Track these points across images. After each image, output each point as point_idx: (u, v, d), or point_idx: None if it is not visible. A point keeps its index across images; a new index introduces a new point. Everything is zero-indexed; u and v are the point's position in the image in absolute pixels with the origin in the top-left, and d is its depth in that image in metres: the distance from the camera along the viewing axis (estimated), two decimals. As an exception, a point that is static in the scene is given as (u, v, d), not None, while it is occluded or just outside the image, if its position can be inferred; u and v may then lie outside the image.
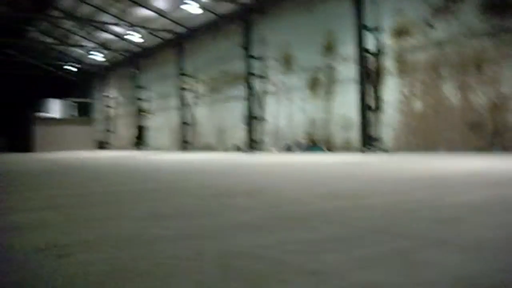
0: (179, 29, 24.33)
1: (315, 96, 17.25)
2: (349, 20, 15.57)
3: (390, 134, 14.46)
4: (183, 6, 21.17)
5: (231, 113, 21.73)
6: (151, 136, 26.95)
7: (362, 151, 14.38)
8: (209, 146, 23.18)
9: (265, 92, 19.65)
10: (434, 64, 13.30)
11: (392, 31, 14.50)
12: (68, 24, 27.48)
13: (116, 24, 24.65)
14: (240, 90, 21.00)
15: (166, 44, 26.53)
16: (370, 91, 14.95)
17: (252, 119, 19.71)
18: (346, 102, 15.88)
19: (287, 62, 18.56)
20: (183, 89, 24.47)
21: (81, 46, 30.09)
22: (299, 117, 17.87)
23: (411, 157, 11.65)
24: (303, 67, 17.75)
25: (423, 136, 13.56)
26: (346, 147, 15.80)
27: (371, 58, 14.98)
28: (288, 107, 18.49)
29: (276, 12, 19.04)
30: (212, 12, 21.74)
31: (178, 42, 25.01)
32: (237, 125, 21.13)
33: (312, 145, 16.74)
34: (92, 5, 23.67)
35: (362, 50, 14.86)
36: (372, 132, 14.82)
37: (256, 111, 19.81)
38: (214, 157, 15.19)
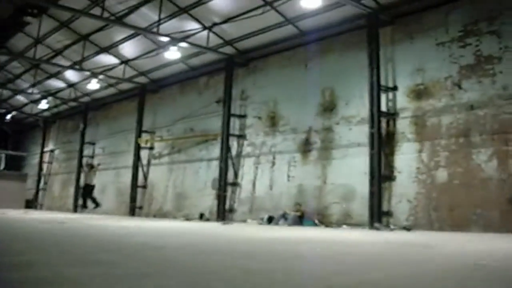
0: (141, 80, 21.84)
1: (306, 160, 14.95)
2: (354, 77, 13.89)
3: (405, 207, 12.22)
4: (151, 54, 19.00)
5: (196, 176, 18.92)
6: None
7: (375, 227, 11.93)
8: (164, 212, 19.87)
9: (241, 154, 17.17)
10: (463, 128, 11.53)
11: (409, 91, 12.79)
12: (15, 67, 24.20)
13: (72, 68, 21.69)
14: (209, 150, 18.44)
15: (124, 96, 23.83)
16: (382, 157, 12.86)
17: (224, 184, 16.92)
18: (348, 169, 13.69)
19: (272, 121, 16.36)
20: (139, 146, 21.45)
21: (24, 93, 26.64)
22: (284, 184, 15.38)
23: (445, 236, 9.37)
24: (292, 128, 15.60)
25: (448, 212, 11.40)
26: (344, 221, 13.31)
27: (383, 121, 13.08)
28: (270, 172, 15.99)
29: (262, 66, 17.18)
30: (185, 64, 19.59)
31: (139, 94, 22.36)
32: (202, 190, 18.25)
33: (301, 217, 14.11)
34: (48, 46, 20.71)
35: (376, 111, 12.89)
36: (383, 205, 12.54)
37: (230, 175, 17.11)
38: (184, 226, 12.21)
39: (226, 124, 17.25)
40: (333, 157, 14.21)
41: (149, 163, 21.62)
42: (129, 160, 22.24)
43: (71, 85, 24.71)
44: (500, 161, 10.75)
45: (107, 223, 12.50)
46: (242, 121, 17.50)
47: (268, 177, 16.00)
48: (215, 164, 17.93)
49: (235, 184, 17.03)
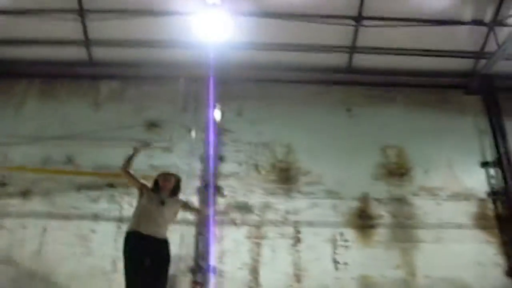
0: None
1: (367, 241, 10.67)
2: (435, 140, 11.69)
3: None
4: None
5: (85, 245, 10.43)
6: None
7: None
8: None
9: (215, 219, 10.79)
10: None
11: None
12: None
13: None
14: (114, 202, 10.93)
15: None
16: (503, 245, 10.61)
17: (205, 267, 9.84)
18: (449, 257, 10.47)
19: (284, 176, 11.38)
20: None
21: None
22: (329, 273, 10.23)
23: None
24: (331, 190, 11.17)
25: None
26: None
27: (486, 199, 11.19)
28: (291, 254, 10.47)
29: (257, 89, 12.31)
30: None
31: None
32: (106, 275, 10.06)
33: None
34: None
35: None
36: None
37: (188, 254, 10.17)
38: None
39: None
40: (420, 240, 10.67)
41: None
42: None
43: None
44: None
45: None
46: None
47: (288, 261, 10.35)
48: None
49: (207, 270, 10.17)
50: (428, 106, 12.16)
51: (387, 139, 11.75)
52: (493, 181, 11.38)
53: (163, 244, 5.17)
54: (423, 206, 11.05)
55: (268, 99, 12.15)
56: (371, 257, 10.44)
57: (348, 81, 12.33)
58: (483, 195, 11.21)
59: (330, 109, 12.12)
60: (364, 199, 11.08)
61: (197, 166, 11.25)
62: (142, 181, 5.93)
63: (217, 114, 11.72)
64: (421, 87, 12.32)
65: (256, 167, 11.41)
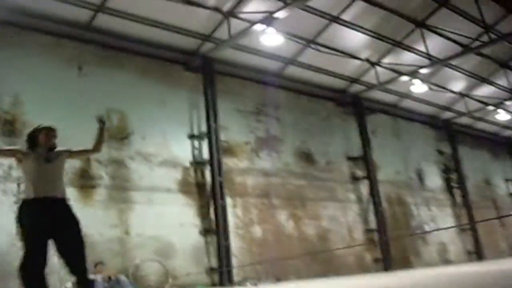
0: None
1: (88, 200, 11.39)
2: (156, 110, 13.12)
3: (232, 262, 12.95)
4: None
5: None
6: None
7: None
8: None
9: None
10: (265, 191, 14.46)
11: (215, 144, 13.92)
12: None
13: None
14: None
15: None
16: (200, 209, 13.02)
17: None
18: (158, 218, 12.22)
19: (8, 128, 10.87)
20: None
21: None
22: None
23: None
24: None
25: (270, 264, 13.56)
26: (167, 282, 11.68)
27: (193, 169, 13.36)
28: (8, 213, 10.32)
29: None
30: None
31: None
32: None
33: (111, 282, 10.57)
34: None
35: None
36: (211, 260, 12.65)
37: None
38: None
39: None
40: (135, 201, 12.01)
41: None
42: None
43: None
44: (294, 222, 14.73)
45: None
46: None
47: (11, 219, 10.18)
48: None
49: None
50: (154, 76, 13.29)
51: (112, 102, 12.37)
52: (197, 152, 13.50)
53: (64, 203, 5.03)
54: (138, 170, 12.34)
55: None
56: (91, 215, 11.16)
57: (84, 39, 12.26)
58: (188, 164, 13.21)
59: (62, 64, 11.90)
60: (86, 159, 11.58)
61: None
62: (11, 147, 5.39)
63: None
64: (151, 57, 13.32)
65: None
